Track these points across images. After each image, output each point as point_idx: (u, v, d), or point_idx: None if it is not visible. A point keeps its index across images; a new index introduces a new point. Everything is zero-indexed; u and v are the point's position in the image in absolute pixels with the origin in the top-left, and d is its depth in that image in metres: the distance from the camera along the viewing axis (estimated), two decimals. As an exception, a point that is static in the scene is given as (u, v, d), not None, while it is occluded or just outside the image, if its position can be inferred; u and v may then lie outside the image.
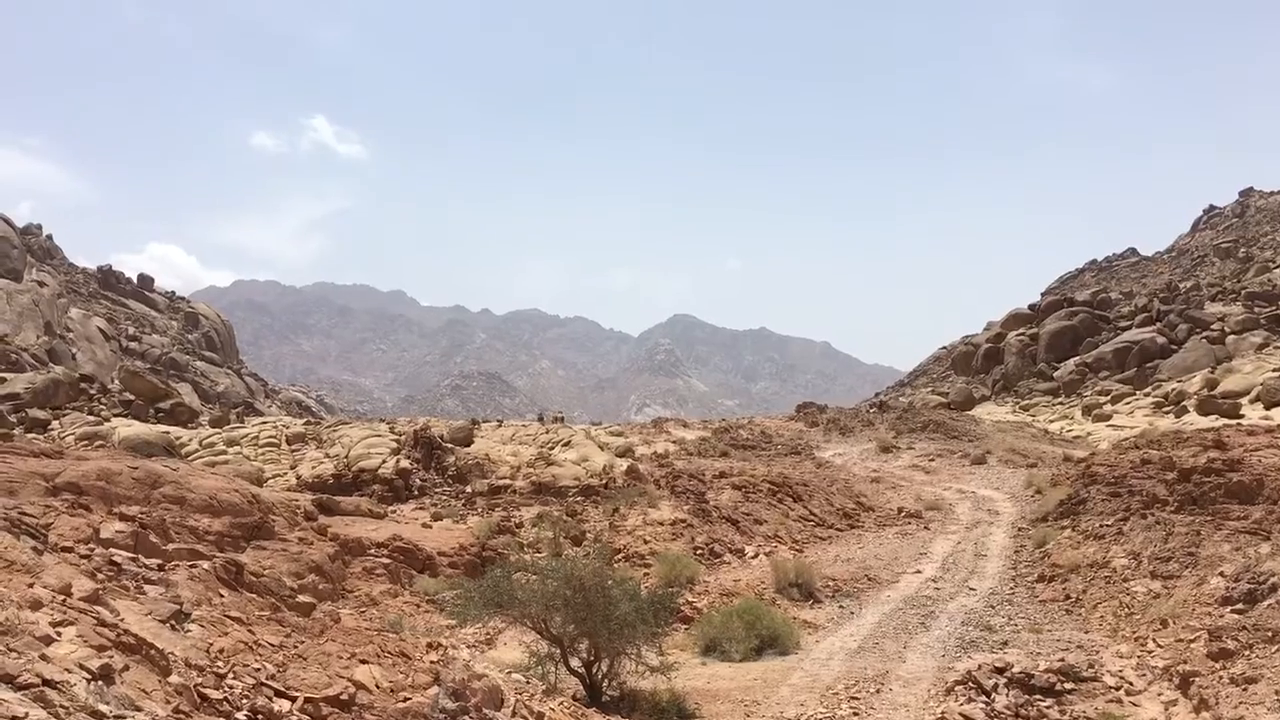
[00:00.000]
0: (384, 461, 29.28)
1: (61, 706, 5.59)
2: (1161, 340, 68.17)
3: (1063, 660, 12.47)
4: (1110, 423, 53.38)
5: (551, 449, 33.70)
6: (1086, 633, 14.49)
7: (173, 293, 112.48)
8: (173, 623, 8.38)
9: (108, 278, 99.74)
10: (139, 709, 6.22)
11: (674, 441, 40.47)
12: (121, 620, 7.74)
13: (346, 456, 30.28)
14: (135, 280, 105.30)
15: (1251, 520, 16.12)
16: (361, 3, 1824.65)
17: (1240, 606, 12.75)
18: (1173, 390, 56.86)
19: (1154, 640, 12.94)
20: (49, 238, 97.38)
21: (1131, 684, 11.82)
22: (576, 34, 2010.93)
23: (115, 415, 42.63)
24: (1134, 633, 13.77)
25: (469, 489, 28.33)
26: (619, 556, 20.55)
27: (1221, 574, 14.16)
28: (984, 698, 11.60)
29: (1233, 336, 64.10)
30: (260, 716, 7.25)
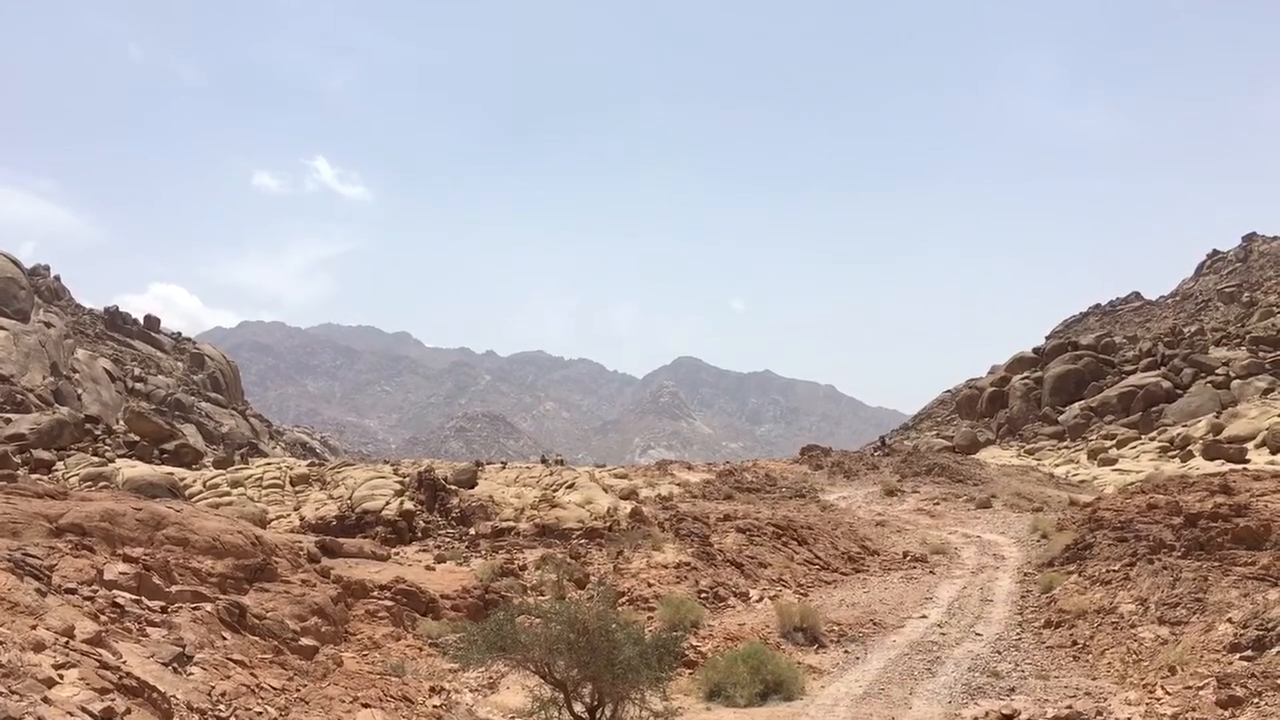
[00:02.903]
0: (387, 503, 29.20)
1: (63, 749, 5.57)
2: (1166, 385, 68.10)
3: (1070, 707, 12.35)
4: (1116, 467, 53.22)
5: (555, 491, 33.62)
6: (1094, 679, 14.37)
7: (179, 334, 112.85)
8: (175, 665, 8.36)
9: (114, 318, 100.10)
10: (141, 752, 6.21)
11: (678, 484, 40.36)
12: (124, 663, 7.73)
13: (350, 498, 30.22)
14: (142, 321, 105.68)
15: (1259, 566, 16.03)
16: (358, 44, 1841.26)
17: (1249, 653, 12.66)
18: (1178, 435, 56.72)
19: (1162, 687, 12.83)
20: (56, 278, 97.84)
21: (1140, 732, 11.70)
22: (579, 76, 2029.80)
23: (120, 456, 42.62)
24: (1142, 679, 13.65)
25: (473, 531, 28.24)
26: (623, 600, 20.43)
27: (1230, 620, 14.07)
28: (991, 745, 11.49)
29: (1238, 381, 64.03)
30: (262, 761, 7.23)
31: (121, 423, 58.43)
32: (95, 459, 40.75)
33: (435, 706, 11.30)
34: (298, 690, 9.01)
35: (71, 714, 6.20)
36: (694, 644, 16.81)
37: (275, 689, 8.89)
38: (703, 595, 21.03)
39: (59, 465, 39.82)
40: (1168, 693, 12.55)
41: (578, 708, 12.08)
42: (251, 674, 9.04)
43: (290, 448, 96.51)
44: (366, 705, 8.99)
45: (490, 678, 15.28)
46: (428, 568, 22.39)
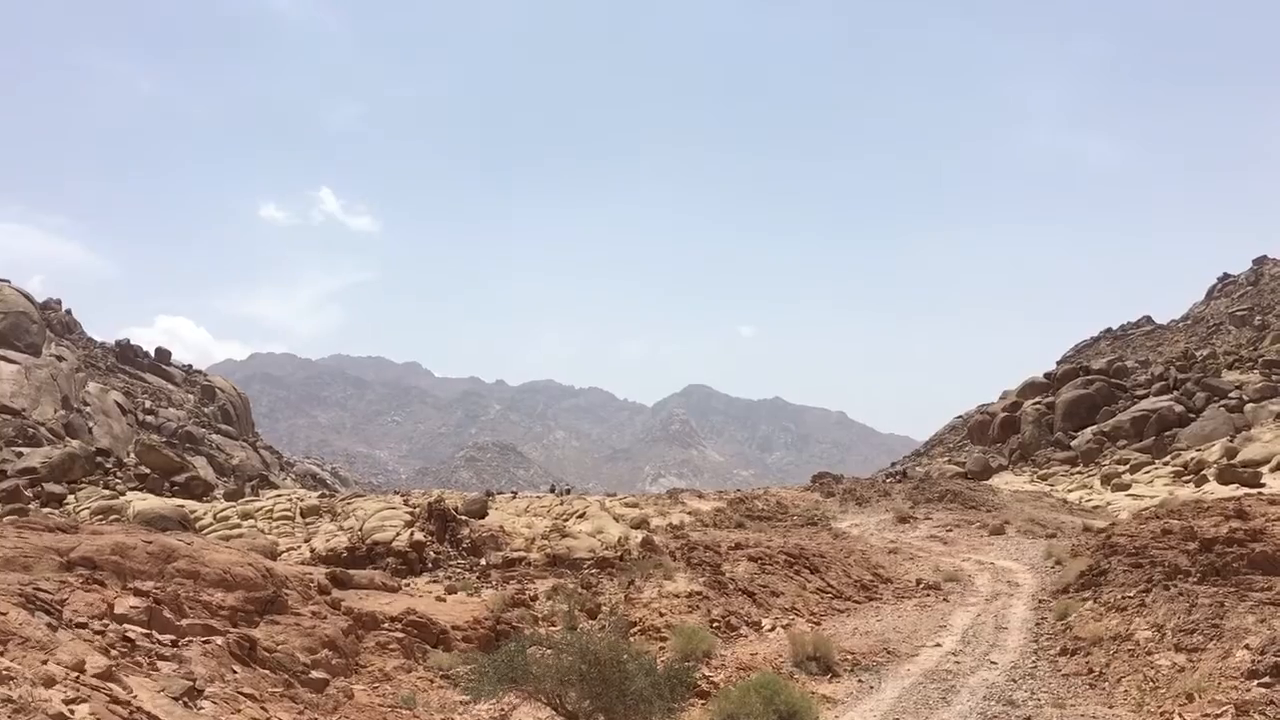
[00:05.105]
0: (398, 534, 29.18)
1: (73, 786, 5.55)
2: (1179, 409, 67.81)
3: (1087, 736, 12.24)
4: (1129, 492, 52.90)
5: (566, 521, 33.57)
6: (1111, 707, 14.22)
7: (189, 366, 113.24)
8: (185, 700, 8.33)
9: (125, 351, 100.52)
10: (151, 788, 6.19)
11: (689, 513, 40.26)
12: (134, 697, 7.71)
13: (360, 529, 30.21)
14: (153, 354, 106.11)
15: (1275, 591, 15.92)
16: (362, 77, 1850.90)
17: (1267, 680, 12.54)
18: (1192, 459, 56.42)
19: (1180, 715, 12.70)
20: (68, 312, 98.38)
21: (1158, 761, 11.58)
22: (587, 106, 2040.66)
23: (130, 489, 42.73)
24: (1159, 707, 13.52)
25: (483, 561, 28.18)
26: (634, 630, 20.33)
27: (1247, 646, 13.95)
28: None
29: (1251, 405, 63.73)
30: (272, 796, 7.19)
31: (132, 455, 58.60)
32: (106, 492, 40.86)
33: (446, 739, 11.23)
34: (308, 724, 8.96)
35: (81, 749, 6.18)
36: (706, 674, 16.70)
37: (286, 723, 8.85)
38: (715, 625, 20.91)
39: (70, 499, 39.92)
40: (1186, 721, 12.43)
41: (590, 739, 12.01)
42: (262, 708, 9.01)
43: (301, 479, 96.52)
44: (377, 738, 8.94)
45: (502, 710, 15.20)
46: (438, 599, 22.33)
